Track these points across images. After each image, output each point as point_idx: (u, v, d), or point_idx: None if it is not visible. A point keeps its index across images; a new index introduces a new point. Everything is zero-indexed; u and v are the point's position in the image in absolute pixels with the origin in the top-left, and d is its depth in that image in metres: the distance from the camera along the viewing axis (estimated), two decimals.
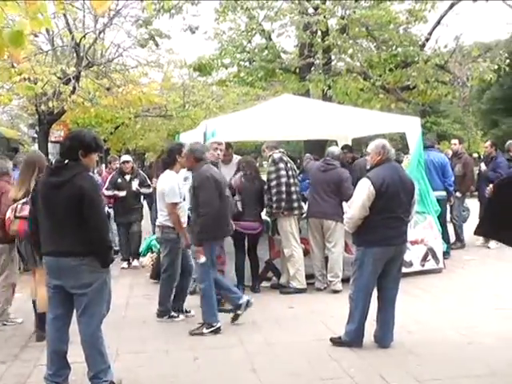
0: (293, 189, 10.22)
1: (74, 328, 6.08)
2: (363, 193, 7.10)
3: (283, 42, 21.26)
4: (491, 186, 7.17)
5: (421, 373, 6.43)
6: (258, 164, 12.90)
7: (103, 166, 26.47)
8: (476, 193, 15.24)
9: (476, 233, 7.34)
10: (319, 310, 9.06)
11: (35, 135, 27.71)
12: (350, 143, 14.17)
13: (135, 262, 13.06)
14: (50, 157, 18.53)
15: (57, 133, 25.54)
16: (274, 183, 10.10)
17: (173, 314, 8.79)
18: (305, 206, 10.67)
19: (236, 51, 20.62)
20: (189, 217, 8.66)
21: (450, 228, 13.69)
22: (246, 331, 8.16)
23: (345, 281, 9.47)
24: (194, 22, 20.43)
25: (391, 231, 7.21)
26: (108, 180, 13.31)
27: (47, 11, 5.34)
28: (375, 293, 7.38)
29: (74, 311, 5.99)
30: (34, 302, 8.05)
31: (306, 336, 7.78)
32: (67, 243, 5.71)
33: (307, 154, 12.45)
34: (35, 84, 14.23)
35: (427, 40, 20.28)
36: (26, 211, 7.40)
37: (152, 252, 12.59)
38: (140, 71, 19.15)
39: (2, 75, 14.12)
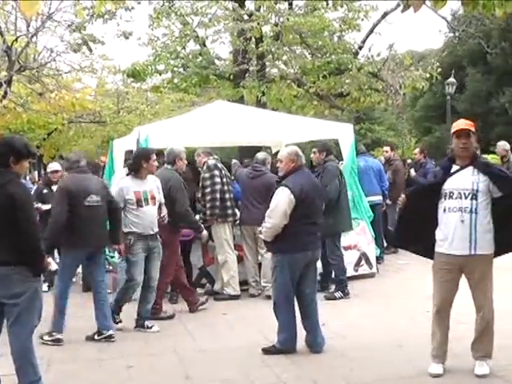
0: (227, 196, 10.22)
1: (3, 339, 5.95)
2: (283, 201, 7.11)
3: (218, 48, 21.35)
4: (403, 196, 7.32)
5: (353, 376, 6.50)
6: None
7: (36, 172, 26.06)
8: None
9: (391, 243, 7.47)
10: (253, 316, 9.06)
11: None
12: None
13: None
14: None
15: None
16: (208, 190, 10.08)
17: (149, 324, 8.53)
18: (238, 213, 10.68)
19: (170, 57, 20.46)
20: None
21: None
22: (180, 338, 8.12)
23: None
24: (127, 28, 20.26)
25: (309, 237, 7.33)
26: (33, 191, 12.10)
27: None
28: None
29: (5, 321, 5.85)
30: None
31: (240, 342, 7.76)
32: None
33: (234, 161, 12.41)
34: None
35: (360, 48, 20.57)
36: None
37: None
38: (73, 76, 18.92)
39: None
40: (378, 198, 12.94)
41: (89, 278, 8.98)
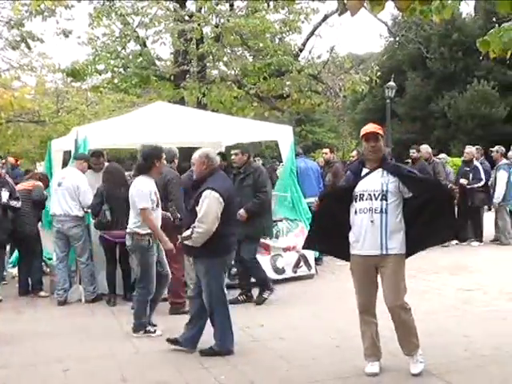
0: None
1: None
2: (215, 205, 7.10)
3: (158, 49, 21.21)
4: (316, 199, 7.41)
5: (290, 377, 6.53)
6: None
7: None
8: None
9: (304, 246, 7.55)
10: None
11: None
12: (223, 151, 14.21)
13: None
14: None
15: None
16: None
17: (149, 328, 8.30)
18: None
19: (110, 57, 20.22)
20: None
21: None
22: (117, 341, 8.04)
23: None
24: (67, 26, 19.96)
25: (233, 238, 7.49)
26: None
27: None
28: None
29: None
30: None
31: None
32: None
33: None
34: None
35: (301, 50, 20.68)
36: None
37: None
38: (12, 75, 18.59)
39: None
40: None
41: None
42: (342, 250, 6.66)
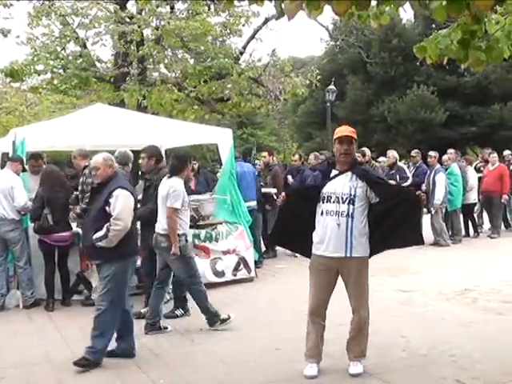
0: None
1: None
2: (128, 201, 7.08)
3: (99, 50, 21.03)
4: (283, 194, 7.44)
5: (230, 380, 6.54)
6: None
7: None
8: None
9: (270, 243, 7.59)
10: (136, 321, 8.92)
11: None
12: (163, 154, 14.15)
13: None
14: None
15: None
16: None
17: (164, 325, 8.40)
18: None
19: (49, 58, 19.93)
20: None
21: None
22: (54, 346, 7.94)
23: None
24: (6, 25, 19.65)
25: (136, 239, 7.53)
26: None
27: None
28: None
29: None
30: None
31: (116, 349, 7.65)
32: None
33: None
34: None
35: (241, 53, 20.70)
36: None
37: None
38: None
39: None
40: (255, 204, 13.02)
41: None
42: (305, 247, 6.71)
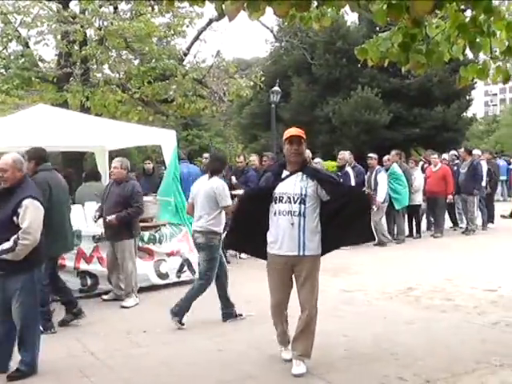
0: None
1: None
2: (38, 213, 6.72)
3: (42, 50, 20.64)
4: (236, 199, 7.51)
5: (173, 383, 6.53)
6: None
7: None
8: None
9: (225, 246, 7.63)
10: (71, 326, 8.81)
11: None
12: (107, 155, 14.05)
13: None
14: None
15: None
16: None
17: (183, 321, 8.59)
18: None
19: None
20: None
21: None
22: None
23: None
24: None
25: (43, 248, 7.03)
26: None
27: None
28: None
29: None
30: None
31: (59, 353, 7.52)
32: None
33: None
34: None
35: (186, 54, 20.63)
36: None
37: None
38: None
39: None
40: None
41: None
42: (260, 249, 6.81)
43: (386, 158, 16.79)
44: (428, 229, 17.88)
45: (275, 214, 6.62)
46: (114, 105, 19.73)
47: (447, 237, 17.28)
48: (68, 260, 10.21)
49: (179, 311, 8.60)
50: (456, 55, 6.35)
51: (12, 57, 20.15)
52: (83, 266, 10.41)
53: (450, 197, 17.29)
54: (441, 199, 17.29)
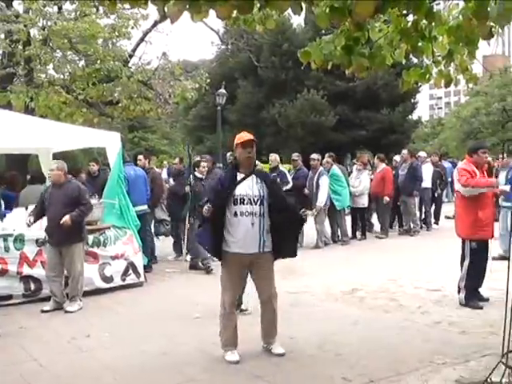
0: None
1: None
2: None
3: None
4: (209, 205, 7.55)
5: None
6: None
7: None
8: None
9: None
10: (15, 331, 8.67)
11: None
12: (51, 157, 13.86)
13: None
14: None
15: None
16: None
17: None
18: None
19: None
20: None
21: None
22: None
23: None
24: None
25: None
26: None
27: None
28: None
29: None
30: None
31: (1, 361, 7.38)
32: None
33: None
34: None
35: (131, 56, 20.48)
36: None
37: None
38: None
39: None
40: (146, 208, 12.96)
41: None
42: (218, 249, 7.10)
43: (324, 160, 16.87)
44: (363, 233, 17.91)
45: (236, 214, 6.93)
46: (59, 106, 19.43)
47: (391, 238, 17.49)
48: (11, 264, 10.08)
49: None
50: (399, 59, 6.43)
51: None
52: (26, 270, 10.22)
53: (387, 198, 17.39)
54: (381, 200, 17.47)
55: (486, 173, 9.67)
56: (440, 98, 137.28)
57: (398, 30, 5.99)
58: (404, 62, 6.67)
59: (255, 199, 6.94)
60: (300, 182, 16.00)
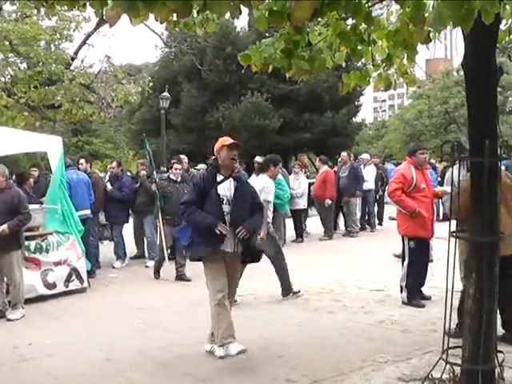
0: None
1: None
2: None
3: None
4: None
5: None
6: None
7: None
8: None
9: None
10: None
11: None
12: None
13: None
14: None
15: None
16: None
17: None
18: None
19: None
20: None
21: None
22: None
23: None
24: None
25: None
26: None
27: None
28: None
29: None
30: None
31: None
32: None
33: None
34: None
35: (73, 59, 20.29)
36: None
37: None
38: None
39: None
40: (89, 212, 12.82)
41: None
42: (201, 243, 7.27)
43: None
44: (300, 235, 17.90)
45: None
46: (0, 110, 19.20)
47: (334, 240, 17.59)
48: None
49: (284, 290, 10.39)
50: (339, 62, 6.47)
51: None
52: None
53: (328, 201, 17.49)
54: (323, 203, 17.57)
55: (424, 175, 9.80)
56: (384, 100, 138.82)
57: (338, 33, 6.02)
58: (346, 64, 6.74)
59: (230, 200, 7.21)
60: None
